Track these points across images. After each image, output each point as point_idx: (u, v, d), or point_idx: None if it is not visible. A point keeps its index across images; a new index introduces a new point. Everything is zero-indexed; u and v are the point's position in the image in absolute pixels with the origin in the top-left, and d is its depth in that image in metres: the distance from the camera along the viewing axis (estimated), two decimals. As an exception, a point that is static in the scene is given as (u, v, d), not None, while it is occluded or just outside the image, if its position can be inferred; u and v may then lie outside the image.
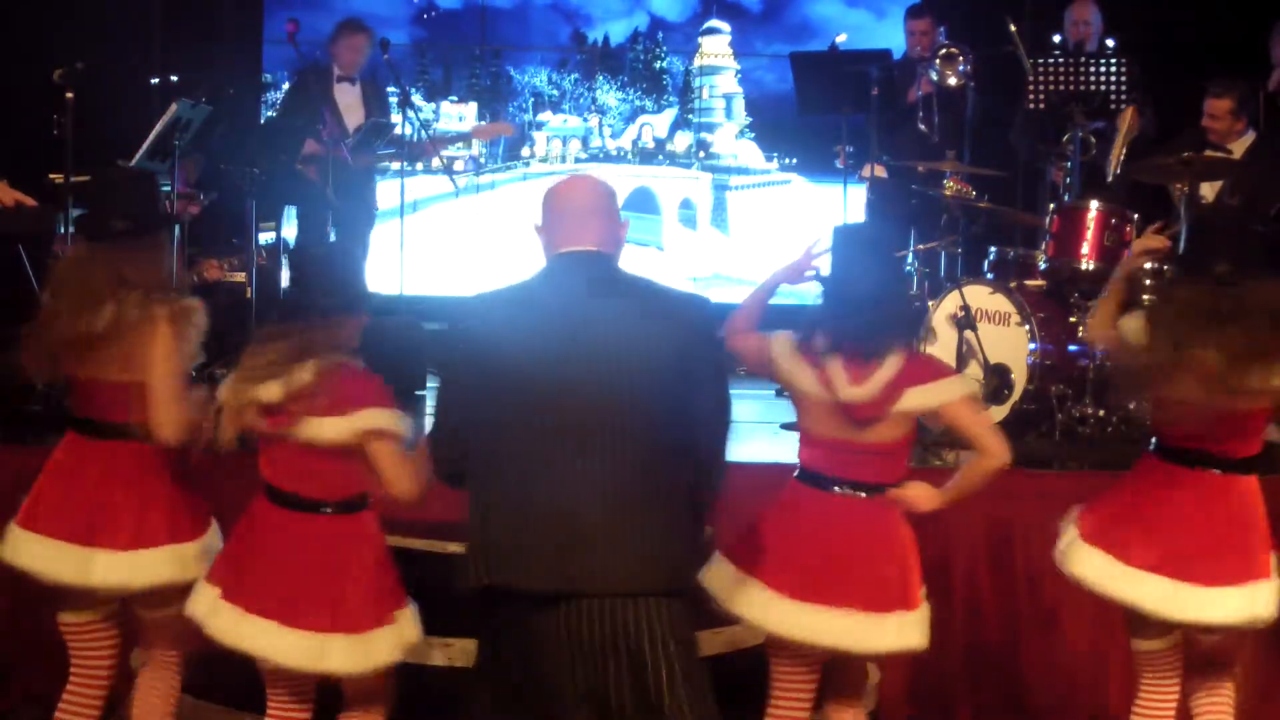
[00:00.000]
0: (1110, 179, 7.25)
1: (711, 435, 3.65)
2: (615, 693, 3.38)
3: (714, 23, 11.20)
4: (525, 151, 10.97)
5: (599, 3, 11.14)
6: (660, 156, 11.24)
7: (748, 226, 11.14)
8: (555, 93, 11.11)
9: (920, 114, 8.12)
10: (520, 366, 3.39)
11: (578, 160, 11.09)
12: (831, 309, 4.10)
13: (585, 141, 11.14)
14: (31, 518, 4.18)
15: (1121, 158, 7.20)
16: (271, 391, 3.87)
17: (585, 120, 11.17)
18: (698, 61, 11.20)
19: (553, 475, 3.38)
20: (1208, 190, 7.13)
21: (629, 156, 11.23)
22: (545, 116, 11.05)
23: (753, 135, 11.16)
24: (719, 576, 4.06)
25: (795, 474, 4.15)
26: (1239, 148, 7.16)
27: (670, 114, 11.22)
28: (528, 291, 3.52)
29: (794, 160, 11.03)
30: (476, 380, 3.46)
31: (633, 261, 10.58)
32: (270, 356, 3.91)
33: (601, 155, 11.12)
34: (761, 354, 4.16)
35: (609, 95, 11.19)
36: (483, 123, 10.47)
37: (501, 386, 3.41)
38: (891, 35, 8.86)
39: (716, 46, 11.21)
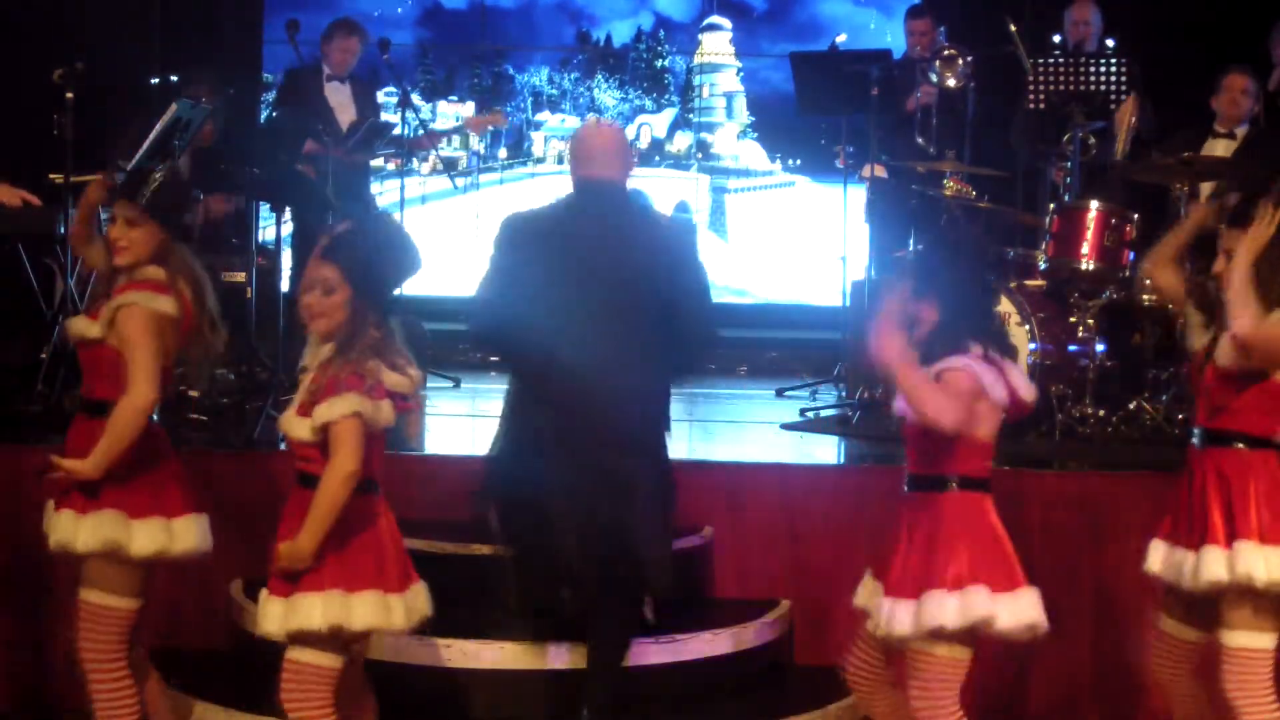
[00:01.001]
0: (1119, 158, 7.21)
1: (698, 317, 4.64)
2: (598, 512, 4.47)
3: (715, 19, 11.03)
4: (503, 154, 10.91)
5: (605, 2, 11.05)
6: (656, 157, 11.09)
7: (748, 231, 10.92)
8: (555, 92, 11.03)
9: (918, 123, 8.12)
10: (552, 261, 4.50)
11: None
12: (983, 315, 4.14)
13: None
14: (181, 503, 4.34)
15: (1127, 144, 7.19)
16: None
17: (583, 120, 11.11)
18: (698, 59, 11.05)
19: (573, 342, 4.45)
20: (1207, 189, 7.13)
21: None
22: (543, 116, 10.93)
23: (755, 135, 11.01)
24: (957, 607, 3.97)
25: (973, 487, 4.07)
26: (1237, 136, 7.20)
27: (669, 114, 11.11)
28: (560, 207, 4.69)
29: (798, 161, 10.86)
30: (518, 266, 4.55)
31: None
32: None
33: None
34: (952, 385, 3.99)
35: (605, 94, 11.10)
36: (474, 115, 10.41)
37: (536, 272, 4.50)
38: (901, 34, 8.85)
39: (717, 44, 11.06)
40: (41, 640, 5.35)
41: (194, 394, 6.41)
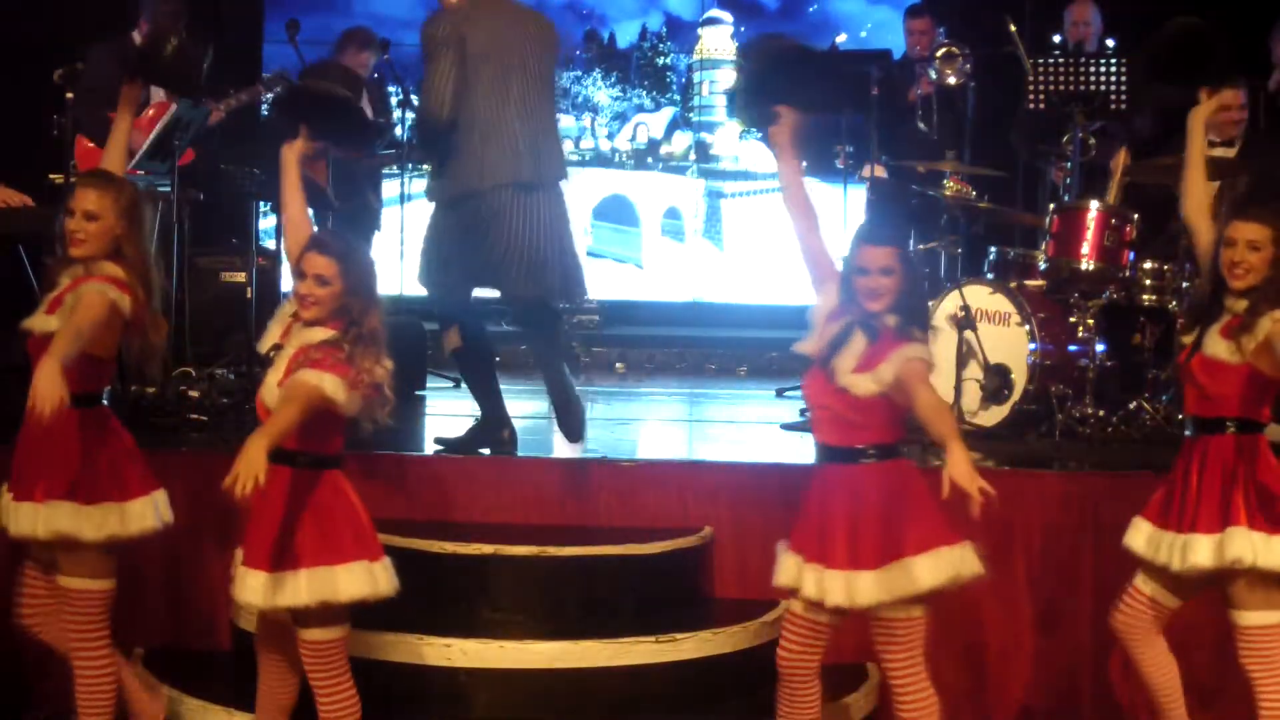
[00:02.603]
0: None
1: None
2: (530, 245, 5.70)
3: (715, 12, 10.80)
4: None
5: (615, 2, 10.89)
6: (650, 159, 10.82)
7: (746, 238, 10.61)
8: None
9: (920, 113, 8.13)
10: (486, 44, 5.66)
11: (579, 163, 10.82)
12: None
13: (576, 142, 10.81)
14: (135, 485, 4.45)
15: (1120, 193, 7.19)
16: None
17: (579, 120, 10.93)
18: (697, 54, 10.83)
19: (504, 111, 5.68)
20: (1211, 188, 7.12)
21: (621, 159, 10.84)
22: None
23: (760, 136, 10.88)
24: (930, 568, 4.14)
25: (895, 454, 4.28)
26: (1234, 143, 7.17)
27: (668, 113, 10.90)
28: (467, 8, 5.70)
29: (804, 164, 10.65)
30: (463, 54, 5.62)
31: (607, 281, 10.48)
32: None
33: (589, 157, 10.81)
34: (919, 376, 4.18)
35: (600, 93, 10.92)
36: None
37: (475, 57, 5.63)
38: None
39: (717, 39, 10.82)
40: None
41: (194, 394, 6.42)
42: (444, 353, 5.95)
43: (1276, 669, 4.36)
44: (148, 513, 4.44)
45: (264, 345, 4.30)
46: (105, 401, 4.50)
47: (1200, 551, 4.34)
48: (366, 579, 4.13)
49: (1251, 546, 4.28)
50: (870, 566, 4.13)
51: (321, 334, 4.14)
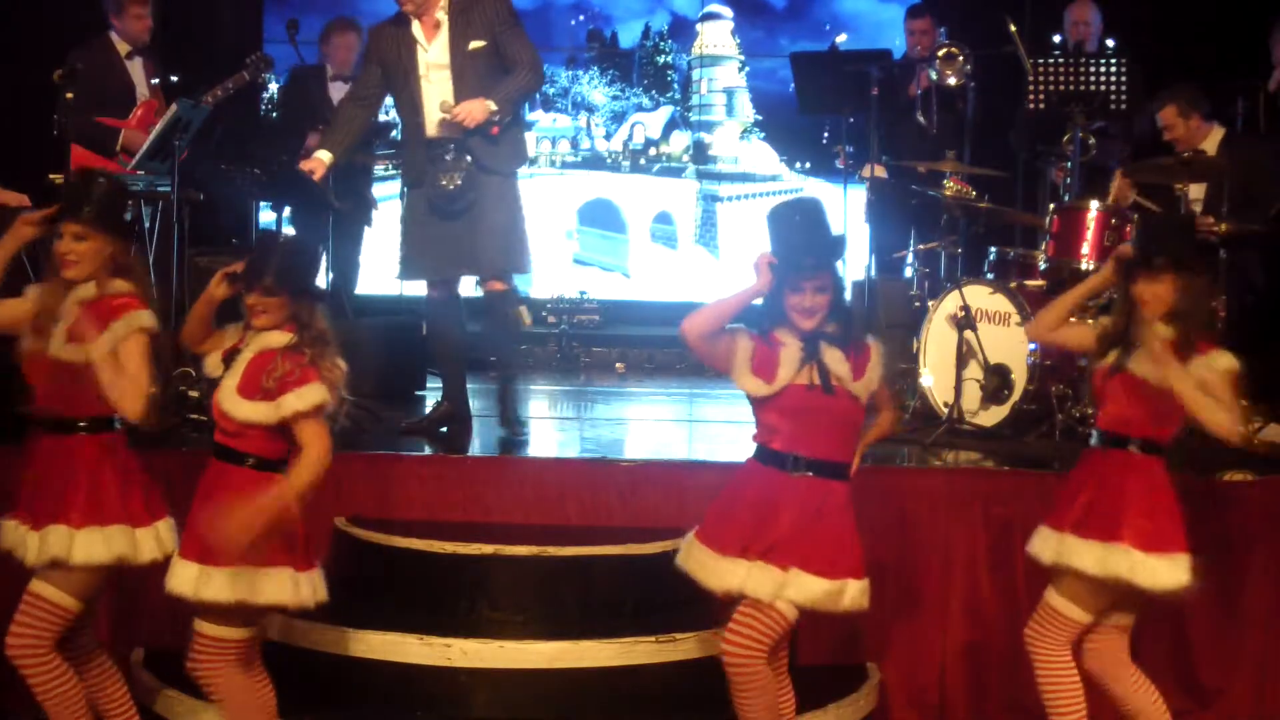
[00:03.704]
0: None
1: None
2: None
3: (714, 7, 10.59)
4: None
5: (620, 1, 10.75)
6: (643, 160, 10.63)
7: (743, 245, 10.21)
8: (553, 90, 10.76)
9: (919, 107, 8.14)
10: None
11: (565, 164, 10.66)
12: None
13: (575, 142, 10.71)
14: (121, 514, 4.43)
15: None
16: None
17: (575, 119, 10.78)
18: (696, 51, 10.61)
19: None
20: (1198, 191, 7.14)
21: (616, 161, 10.66)
22: (535, 116, 10.55)
23: (763, 135, 10.58)
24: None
25: None
26: (1210, 144, 7.15)
27: (665, 112, 10.68)
28: None
29: (808, 165, 10.45)
30: None
31: (594, 288, 10.36)
32: None
33: (585, 158, 10.65)
34: None
35: (596, 91, 10.77)
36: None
37: None
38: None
39: (717, 35, 10.62)
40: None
41: (194, 394, 6.41)
42: (520, 327, 6.34)
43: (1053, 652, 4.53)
44: (115, 542, 4.37)
45: (212, 369, 4.32)
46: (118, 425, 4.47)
47: (1082, 556, 4.45)
48: (289, 586, 4.19)
49: (1141, 568, 4.37)
50: (832, 575, 4.35)
51: (281, 338, 4.21)
